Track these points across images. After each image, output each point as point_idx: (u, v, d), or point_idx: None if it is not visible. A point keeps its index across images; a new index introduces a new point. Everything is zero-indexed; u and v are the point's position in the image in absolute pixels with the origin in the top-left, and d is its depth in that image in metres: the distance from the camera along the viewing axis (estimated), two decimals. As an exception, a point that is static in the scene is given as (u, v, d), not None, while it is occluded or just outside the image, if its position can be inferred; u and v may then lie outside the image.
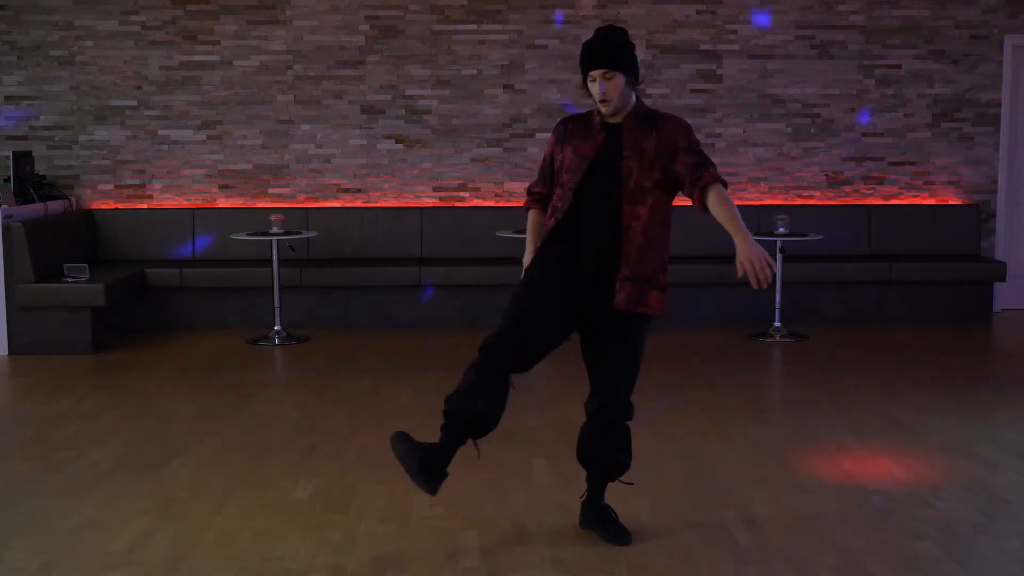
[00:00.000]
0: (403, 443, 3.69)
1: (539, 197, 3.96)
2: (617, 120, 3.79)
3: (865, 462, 4.78)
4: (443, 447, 3.73)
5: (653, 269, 3.75)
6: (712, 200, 3.79)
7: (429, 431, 5.33)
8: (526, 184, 8.57)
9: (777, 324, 7.80)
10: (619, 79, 3.72)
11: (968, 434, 5.23)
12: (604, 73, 3.71)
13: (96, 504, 4.28)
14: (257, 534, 3.95)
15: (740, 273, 3.66)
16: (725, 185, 3.83)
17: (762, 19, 8.47)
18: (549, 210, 3.87)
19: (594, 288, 3.73)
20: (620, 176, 3.71)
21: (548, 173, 3.95)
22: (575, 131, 3.85)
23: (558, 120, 3.98)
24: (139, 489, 4.46)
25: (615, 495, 4.05)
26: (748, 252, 3.65)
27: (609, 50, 3.74)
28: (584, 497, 4.02)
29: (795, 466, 4.75)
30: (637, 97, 3.82)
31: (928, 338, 7.71)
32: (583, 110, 4.10)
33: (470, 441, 3.80)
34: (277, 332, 7.69)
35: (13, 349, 7.25)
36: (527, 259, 3.87)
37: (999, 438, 5.15)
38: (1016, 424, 5.42)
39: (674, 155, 3.73)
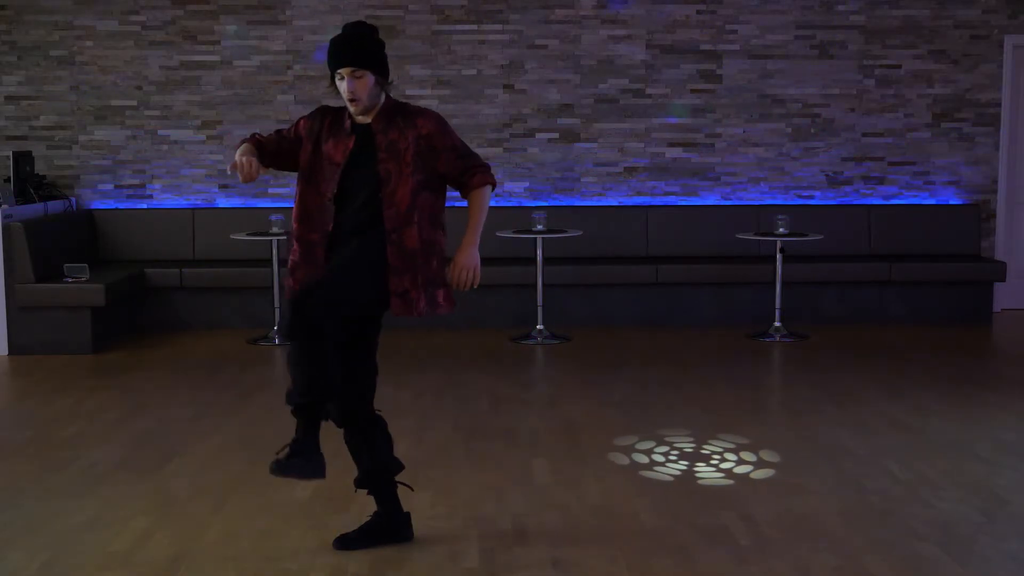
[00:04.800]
0: (287, 465, 3.64)
1: (259, 141, 3.69)
2: (367, 120, 3.63)
3: (865, 462, 4.78)
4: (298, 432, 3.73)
5: (436, 271, 3.70)
6: (471, 200, 3.75)
7: (429, 431, 5.35)
8: (526, 184, 8.62)
9: (777, 324, 7.79)
10: (368, 78, 3.56)
11: (968, 434, 5.23)
12: (352, 71, 3.54)
13: (96, 504, 4.28)
14: (257, 534, 3.95)
15: (448, 276, 3.73)
16: (493, 186, 3.76)
17: None
18: (300, 219, 3.65)
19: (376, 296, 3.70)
20: (378, 180, 3.59)
21: (283, 135, 3.71)
22: (329, 129, 3.66)
23: (318, 106, 3.77)
24: (139, 489, 4.46)
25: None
26: (465, 261, 3.72)
27: (356, 48, 3.57)
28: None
29: (795, 466, 4.75)
30: (387, 94, 3.66)
31: (928, 338, 7.71)
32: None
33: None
34: (277, 332, 7.69)
35: (13, 349, 7.25)
36: (243, 150, 3.58)
37: (999, 438, 5.15)
38: (1016, 424, 5.42)
39: (436, 156, 3.64)
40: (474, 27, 8.43)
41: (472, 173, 3.69)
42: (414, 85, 8.46)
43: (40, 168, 8.33)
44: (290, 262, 3.73)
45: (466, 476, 4.62)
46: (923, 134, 8.64)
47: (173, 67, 8.41)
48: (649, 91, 8.50)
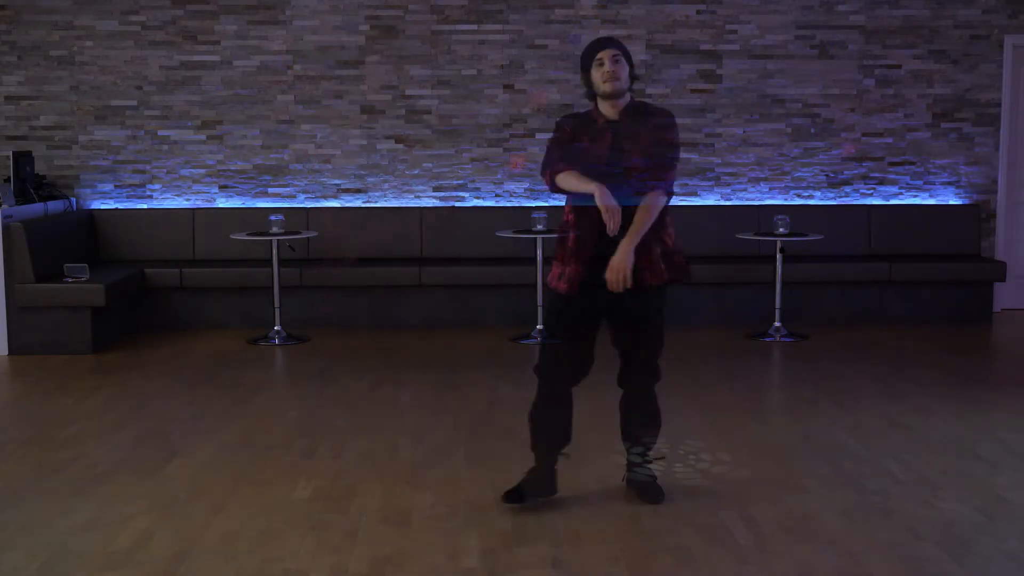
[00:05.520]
0: (523, 493, 4.19)
1: (563, 160, 4.08)
2: (614, 116, 4.06)
3: (865, 462, 4.78)
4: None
5: (669, 241, 4.16)
6: (643, 202, 4.02)
7: (429, 431, 5.35)
8: (526, 184, 8.62)
9: (777, 324, 7.80)
10: (625, 65, 4.02)
11: (968, 434, 5.23)
12: (614, 55, 4.00)
13: (96, 504, 4.28)
14: (257, 534, 3.95)
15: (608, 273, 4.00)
16: (669, 196, 4.10)
17: None
18: (577, 212, 4.05)
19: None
20: (630, 169, 3.99)
21: (563, 143, 4.10)
22: (584, 128, 4.10)
23: (559, 118, 4.24)
24: (139, 489, 4.46)
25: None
26: (617, 263, 3.97)
27: (615, 40, 4.11)
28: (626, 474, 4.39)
29: (795, 466, 4.75)
30: (631, 94, 4.12)
31: (928, 338, 7.71)
32: (582, 110, 4.21)
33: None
34: (277, 332, 7.69)
35: (13, 349, 7.25)
36: (605, 199, 3.90)
37: (999, 438, 5.15)
38: (1016, 424, 5.42)
39: (660, 145, 4.04)
40: (474, 27, 8.43)
41: (658, 175, 4.03)
42: (414, 85, 8.46)
43: (40, 168, 8.33)
44: (561, 253, 4.10)
45: (466, 476, 4.62)
46: (923, 134, 8.64)
47: (173, 67, 8.41)
48: (649, 91, 8.50)
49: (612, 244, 3.99)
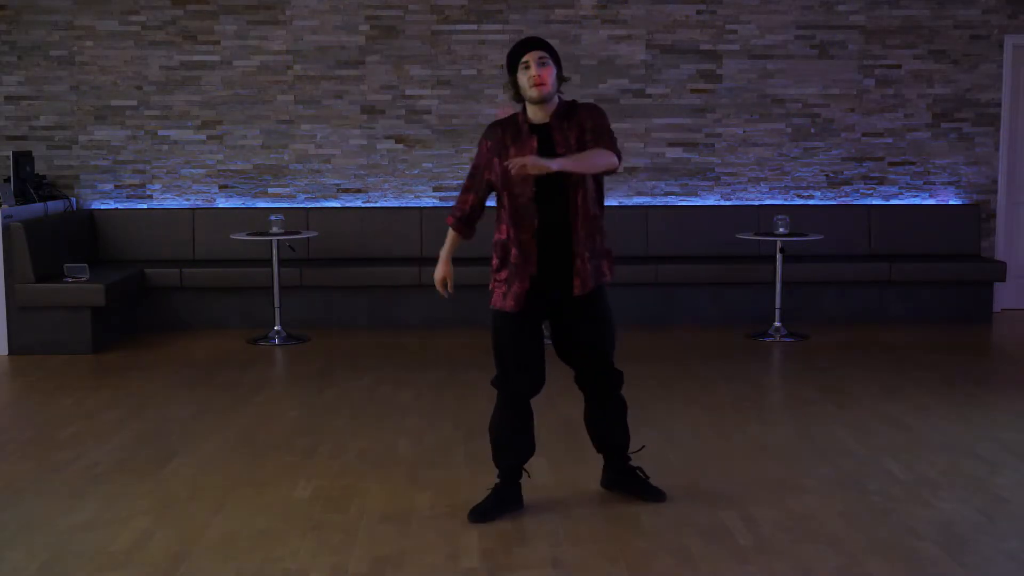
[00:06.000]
0: (486, 511, 4.09)
1: (467, 219, 4.23)
2: (544, 119, 3.92)
3: (865, 462, 4.78)
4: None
5: (601, 243, 4.03)
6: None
7: (429, 431, 5.35)
8: (526, 184, 8.61)
9: (777, 324, 7.80)
10: (552, 68, 3.87)
11: (968, 434, 5.23)
12: (540, 57, 3.85)
13: (96, 504, 4.28)
14: (257, 534, 3.95)
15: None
16: (619, 158, 3.91)
17: None
18: (513, 224, 4.01)
19: (557, 282, 4.03)
20: (563, 174, 3.83)
21: (479, 182, 4.09)
22: (510, 137, 3.95)
23: (489, 124, 4.07)
24: (139, 489, 4.46)
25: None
26: (537, 161, 3.70)
27: (543, 41, 3.92)
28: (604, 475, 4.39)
29: (795, 466, 4.75)
30: (560, 95, 3.96)
31: (928, 338, 7.71)
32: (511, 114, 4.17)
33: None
34: (277, 332, 7.69)
35: (13, 349, 7.25)
36: (443, 270, 4.26)
37: (999, 438, 5.15)
38: (1016, 424, 5.42)
39: (583, 137, 3.90)
40: (474, 27, 8.43)
41: (599, 143, 3.88)
42: (414, 85, 8.46)
43: (40, 168, 8.33)
44: (503, 272, 4.11)
45: (466, 476, 4.62)
46: (923, 134, 8.64)
47: (173, 67, 8.41)
48: (649, 91, 8.50)
49: (553, 256, 3.96)
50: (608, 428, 4.28)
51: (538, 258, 4.00)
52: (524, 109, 3.97)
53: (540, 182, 3.88)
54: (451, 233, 4.29)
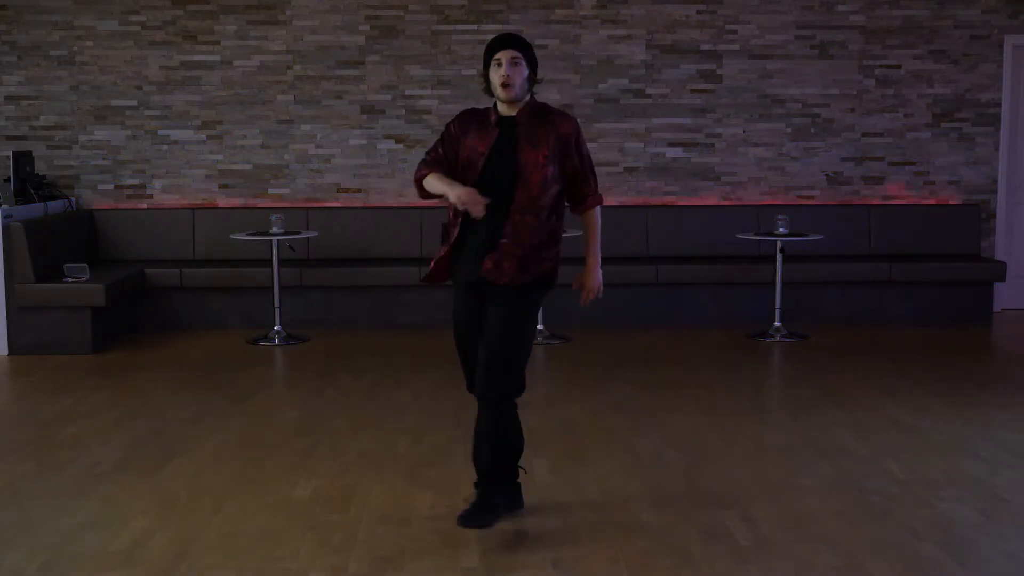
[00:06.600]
0: (473, 517, 3.91)
1: (435, 162, 3.94)
2: (512, 113, 3.89)
3: (865, 462, 4.78)
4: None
5: (540, 251, 3.90)
6: (587, 221, 4.06)
7: (429, 431, 5.35)
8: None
9: (777, 324, 7.80)
10: (523, 68, 3.84)
11: (968, 434, 5.23)
12: (512, 56, 3.82)
13: (96, 504, 4.28)
14: (257, 534, 3.95)
15: (575, 286, 4.09)
16: (601, 203, 4.06)
17: None
18: (457, 211, 3.90)
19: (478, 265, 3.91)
20: (517, 166, 3.81)
21: (448, 146, 3.94)
22: (476, 126, 3.91)
23: (463, 110, 4.03)
24: (139, 489, 4.47)
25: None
26: (594, 281, 4.07)
27: (517, 39, 3.89)
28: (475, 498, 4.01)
29: (795, 466, 4.75)
30: (533, 95, 3.93)
31: (928, 338, 7.71)
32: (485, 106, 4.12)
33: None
34: (277, 332, 7.69)
35: (13, 349, 7.25)
36: (458, 192, 3.75)
37: (999, 438, 5.16)
38: (1016, 424, 5.42)
39: (569, 157, 3.90)
40: (474, 27, 8.43)
41: (587, 185, 3.98)
42: (414, 85, 8.46)
43: (40, 168, 8.33)
44: (442, 251, 3.95)
45: (466, 476, 4.61)
46: (923, 134, 8.64)
47: (173, 67, 8.41)
48: (649, 91, 8.50)
49: (481, 238, 3.86)
50: (476, 443, 3.99)
51: (467, 236, 3.89)
52: (495, 103, 3.94)
53: (488, 168, 3.83)
54: (429, 175, 3.91)
